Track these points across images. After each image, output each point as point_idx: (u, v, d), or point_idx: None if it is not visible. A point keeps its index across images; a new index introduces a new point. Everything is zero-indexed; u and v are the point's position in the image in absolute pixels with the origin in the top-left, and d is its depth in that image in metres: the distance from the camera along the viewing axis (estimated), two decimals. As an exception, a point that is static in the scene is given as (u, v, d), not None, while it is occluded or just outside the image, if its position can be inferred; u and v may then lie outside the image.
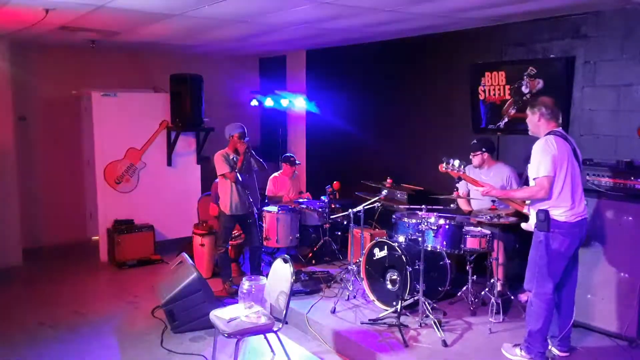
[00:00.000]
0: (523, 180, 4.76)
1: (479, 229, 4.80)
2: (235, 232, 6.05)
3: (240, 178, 5.42)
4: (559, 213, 3.65)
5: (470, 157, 5.04)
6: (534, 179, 3.67)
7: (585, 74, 4.82)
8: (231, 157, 5.48)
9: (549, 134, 3.71)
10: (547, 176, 3.60)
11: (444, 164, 4.40)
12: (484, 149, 4.98)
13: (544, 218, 3.65)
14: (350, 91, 7.36)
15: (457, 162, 4.38)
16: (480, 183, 4.24)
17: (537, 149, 3.66)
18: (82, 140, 7.62)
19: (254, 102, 8.45)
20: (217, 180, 6.19)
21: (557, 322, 3.90)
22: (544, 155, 3.61)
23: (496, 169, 5.00)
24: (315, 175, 8.03)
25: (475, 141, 5.09)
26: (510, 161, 5.09)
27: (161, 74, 7.26)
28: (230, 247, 5.82)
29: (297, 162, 6.94)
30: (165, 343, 4.55)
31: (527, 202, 3.89)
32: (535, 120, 3.80)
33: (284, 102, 8.09)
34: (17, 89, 6.77)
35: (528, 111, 3.85)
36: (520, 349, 3.88)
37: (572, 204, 3.65)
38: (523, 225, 3.96)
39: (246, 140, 5.45)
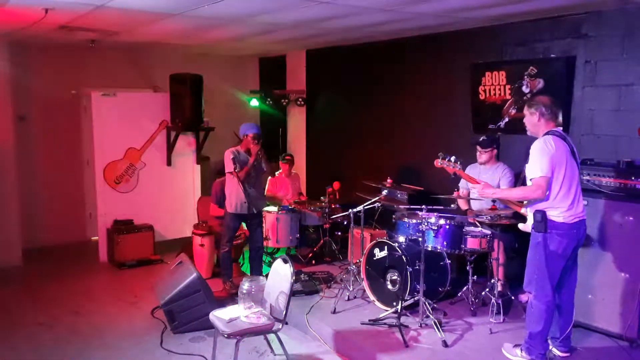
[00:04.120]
0: (520, 180, 4.74)
1: (479, 229, 4.79)
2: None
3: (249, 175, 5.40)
4: (557, 214, 3.63)
5: (478, 153, 5.03)
6: (530, 179, 3.64)
7: (585, 73, 4.81)
8: (241, 155, 5.47)
9: (547, 133, 3.67)
10: (545, 176, 3.57)
11: (440, 159, 4.35)
12: (494, 146, 4.99)
13: (541, 219, 3.63)
14: (350, 91, 7.35)
15: (453, 158, 4.33)
16: (477, 180, 4.21)
17: (535, 149, 3.63)
18: (82, 140, 7.62)
19: (254, 102, 8.44)
20: (217, 180, 6.18)
21: (557, 323, 3.89)
22: (542, 156, 3.57)
23: (495, 168, 5.02)
24: (315, 176, 8.02)
25: (485, 137, 5.06)
26: (510, 161, 5.08)
27: (161, 74, 7.25)
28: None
29: (292, 161, 6.95)
30: (165, 343, 4.54)
31: (525, 202, 3.87)
32: (534, 120, 3.74)
33: (283, 102, 8.08)
34: (16, 89, 6.76)
35: (525, 111, 3.79)
36: (521, 350, 3.87)
37: (570, 204, 3.63)
38: (520, 225, 3.91)
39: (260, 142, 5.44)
